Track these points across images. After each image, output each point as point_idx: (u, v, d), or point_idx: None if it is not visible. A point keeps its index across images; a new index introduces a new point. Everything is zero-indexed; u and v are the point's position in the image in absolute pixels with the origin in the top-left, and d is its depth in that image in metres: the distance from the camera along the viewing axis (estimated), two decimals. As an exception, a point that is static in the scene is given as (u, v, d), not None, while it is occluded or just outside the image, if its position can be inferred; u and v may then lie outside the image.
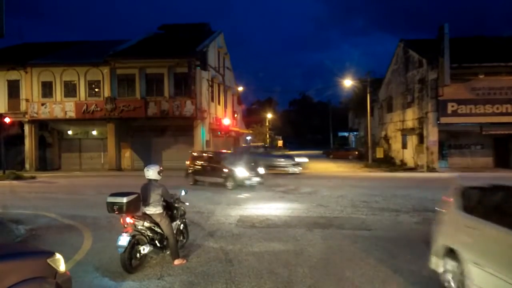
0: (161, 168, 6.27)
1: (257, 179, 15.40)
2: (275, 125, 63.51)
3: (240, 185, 14.90)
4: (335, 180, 19.09)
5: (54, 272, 3.69)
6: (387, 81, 32.66)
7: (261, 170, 16.17)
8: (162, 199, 6.15)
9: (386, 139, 32.47)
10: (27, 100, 26.53)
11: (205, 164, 16.59)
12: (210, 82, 27.65)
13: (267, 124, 56.14)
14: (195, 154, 18.19)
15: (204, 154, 17.88)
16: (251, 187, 14.96)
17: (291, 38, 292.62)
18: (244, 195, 13.66)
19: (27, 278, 3.37)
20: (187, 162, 17.90)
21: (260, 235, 7.92)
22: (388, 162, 29.05)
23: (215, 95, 29.78)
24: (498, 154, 25.41)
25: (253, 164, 16.37)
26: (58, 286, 3.67)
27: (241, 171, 15.11)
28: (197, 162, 17.08)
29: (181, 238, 6.76)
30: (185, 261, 6.12)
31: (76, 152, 28.32)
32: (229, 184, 14.99)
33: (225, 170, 15.28)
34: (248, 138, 47.49)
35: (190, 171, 17.11)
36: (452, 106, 23.50)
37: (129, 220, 5.67)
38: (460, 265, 4.33)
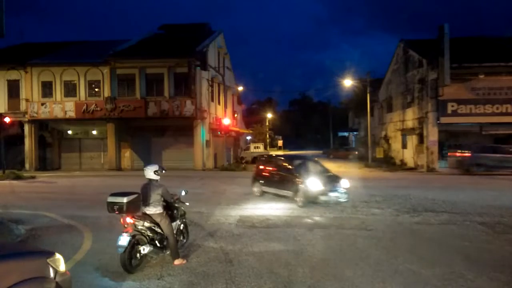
0: (160, 167, 6.24)
1: (336, 194, 11.29)
2: (275, 125, 63.60)
3: (313, 202, 11.20)
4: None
5: (54, 272, 3.69)
6: (387, 81, 32.67)
7: (345, 183, 11.68)
8: (162, 199, 6.16)
9: (386, 139, 32.48)
10: (27, 100, 26.54)
11: (274, 171, 12.94)
12: (210, 82, 27.66)
13: (267, 124, 56.16)
14: (263, 157, 14.90)
15: (273, 158, 14.34)
16: (329, 206, 11.15)
17: (291, 38, 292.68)
18: (312, 217, 9.83)
19: (27, 278, 3.37)
20: (254, 168, 14.66)
21: (260, 235, 7.92)
22: (388, 162, 29.05)
23: (215, 95, 29.78)
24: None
25: (332, 174, 12.46)
26: (58, 286, 3.67)
27: (313, 183, 11.14)
28: (265, 167, 13.71)
29: (181, 238, 6.77)
30: (185, 261, 6.12)
31: (76, 152, 28.33)
32: (299, 199, 11.30)
33: (296, 180, 11.60)
34: (248, 138, 47.50)
35: (256, 179, 13.69)
36: (452, 106, 23.51)
37: (129, 220, 5.67)
38: None
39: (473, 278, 5.43)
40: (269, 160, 14.33)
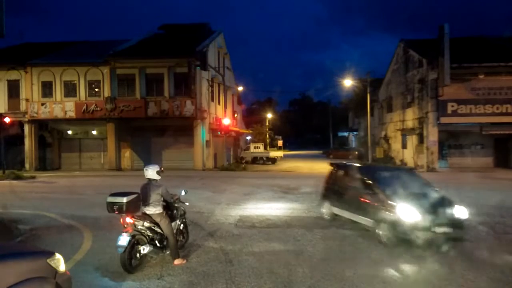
0: (161, 167, 6.26)
1: (445, 229, 7.05)
2: (275, 125, 63.46)
3: (407, 239, 7.02)
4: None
5: (54, 272, 3.69)
6: (387, 81, 32.66)
7: (462, 211, 7.38)
8: (162, 199, 6.16)
9: (386, 139, 32.47)
10: (27, 100, 26.54)
11: (349, 187, 9.05)
12: (210, 82, 27.65)
13: (267, 124, 56.10)
14: (336, 166, 10.48)
15: (349, 168, 9.86)
16: (431, 246, 6.88)
17: (291, 38, 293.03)
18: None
19: (27, 278, 3.37)
20: (324, 180, 10.50)
21: (260, 235, 7.92)
22: (388, 162, 29.02)
23: (215, 95, 29.78)
24: (498, 154, 25.43)
25: (440, 195, 8.02)
26: (58, 286, 3.67)
27: (406, 211, 7.11)
28: (338, 180, 9.84)
29: (181, 238, 6.77)
30: (185, 261, 6.12)
31: (76, 152, 28.34)
32: (383, 233, 7.42)
33: (378, 204, 7.71)
34: (248, 138, 47.49)
35: (326, 196, 10.00)
36: (452, 106, 23.52)
37: (129, 220, 5.67)
38: None
39: (473, 278, 5.43)
40: (344, 169, 9.94)
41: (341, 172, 9.98)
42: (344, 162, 11.76)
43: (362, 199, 8.28)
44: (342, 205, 9.11)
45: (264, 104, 68.54)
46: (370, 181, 8.42)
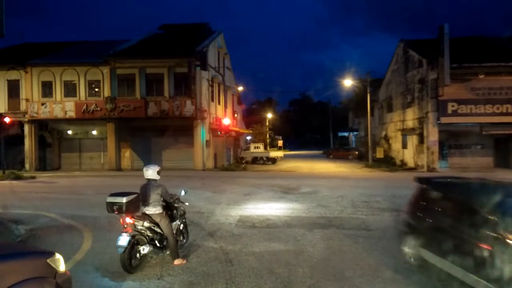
0: (160, 168, 6.27)
1: None
2: (275, 125, 63.48)
3: None
4: (335, 180, 19.08)
5: (54, 272, 3.69)
6: (387, 81, 32.66)
7: None
8: (162, 199, 6.16)
9: (386, 139, 32.47)
10: (27, 100, 26.54)
11: (448, 220, 5.18)
12: (210, 82, 27.65)
13: (267, 124, 56.11)
14: (425, 183, 6.23)
15: (449, 189, 5.84)
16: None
17: (291, 38, 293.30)
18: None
19: (27, 278, 3.37)
20: (409, 200, 6.55)
21: (260, 235, 7.92)
22: (388, 162, 29.06)
23: (215, 95, 29.78)
24: (499, 154, 25.41)
25: None
26: (58, 286, 3.67)
27: None
28: (430, 206, 5.89)
29: (181, 238, 6.76)
30: (185, 261, 6.12)
31: (76, 152, 28.33)
32: None
33: (509, 257, 3.95)
34: (248, 138, 47.50)
35: (411, 227, 6.18)
36: (452, 106, 23.51)
37: (128, 220, 5.67)
38: None
39: (473, 278, 5.39)
40: (442, 189, 5.90)
41: (437, 194, 5.88)
42: (442, 177, 7.69)
43: (474, 245, 4.55)
44: (438, 249, 5.27)
45: (264, 104, 68.53)
46: (490, 213, 4.55)
